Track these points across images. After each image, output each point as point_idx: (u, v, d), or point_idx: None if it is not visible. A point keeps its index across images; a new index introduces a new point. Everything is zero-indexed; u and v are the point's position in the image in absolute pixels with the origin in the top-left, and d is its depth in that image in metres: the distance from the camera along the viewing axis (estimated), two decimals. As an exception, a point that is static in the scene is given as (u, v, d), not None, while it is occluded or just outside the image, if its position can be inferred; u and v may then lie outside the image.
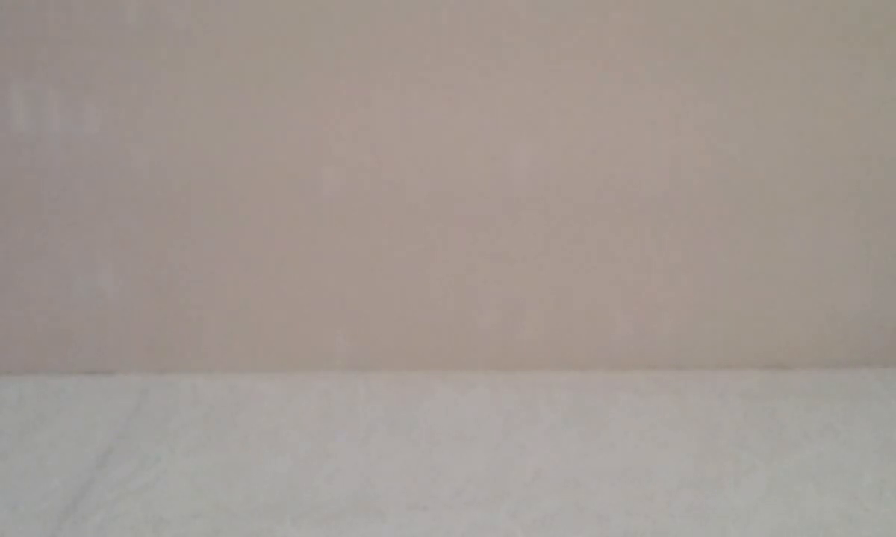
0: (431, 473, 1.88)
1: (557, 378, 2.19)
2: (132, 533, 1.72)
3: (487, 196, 2.10)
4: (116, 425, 2.04)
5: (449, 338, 2.21)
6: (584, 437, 1.99)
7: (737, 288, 2.18)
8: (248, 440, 2.00)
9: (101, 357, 2.21)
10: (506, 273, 2.16)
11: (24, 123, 2.03)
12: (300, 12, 1.97)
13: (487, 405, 2.11)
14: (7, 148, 2.05)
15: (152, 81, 2.01)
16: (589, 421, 2.04)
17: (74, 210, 2.10)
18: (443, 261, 2.15)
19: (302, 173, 2.08)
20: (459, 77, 2.01)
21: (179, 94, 2.02)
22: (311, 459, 1.92)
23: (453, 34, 1.98)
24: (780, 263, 2.16)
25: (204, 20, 1.97)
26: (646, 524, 1.74)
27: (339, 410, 2.09)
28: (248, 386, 2.17)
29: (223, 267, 2.15)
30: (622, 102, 2.03)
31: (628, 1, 1.97)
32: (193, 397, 2.14)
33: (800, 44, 2.00)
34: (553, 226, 2.12)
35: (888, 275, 2.17)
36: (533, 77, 2.01)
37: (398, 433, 2.01)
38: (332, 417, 2.07)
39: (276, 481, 1.86)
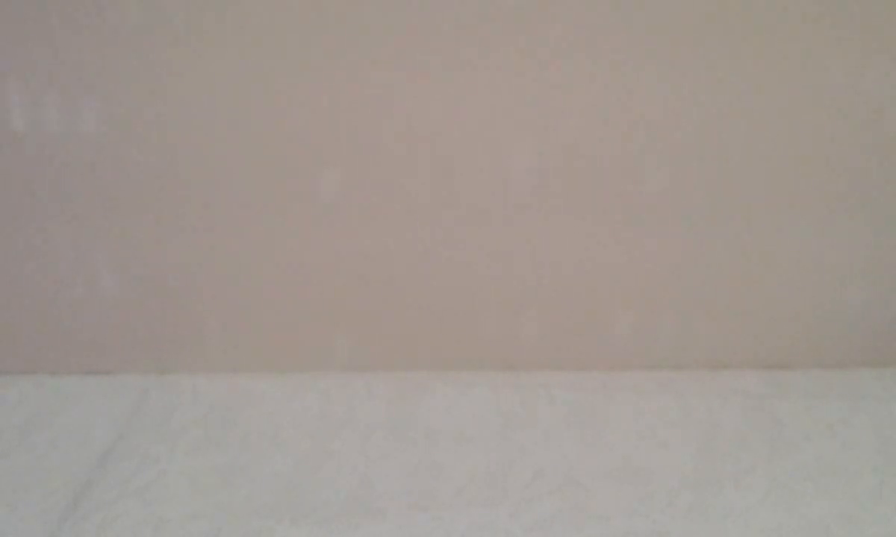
0: (431, 473, 1.88)
1: (557, 378, 2.19)
2: (132, 533, 1.72)
3: (487, 195, 2.10)
4: (116, 425, 2.04)
5: (449, 338, 2.21)
6: (583, 437, 1.99)
7: (737, 288, 2.18)
8: (248, 440, 2.00)
9: (101, 357, 2.21)
10: (506, 273, 2.16)
11: (22, 123, 2.02)
12: (300, 12, 1.97)
13: (487, 405, 2.11)
14: (6, 148, 2.04)
15: (152, 81, 2.01)
16: (589, 421, 2.04)
17: (73, 210, 2.10)
18: (443, 261, 2.15)
19: (302, 173, 2.08)
20: (460, 76, 2.01)
21: (179, 94, 2.02)
22: (311, 459, 1.92)
23: (454, 34, 1.98)
24: (780, 263, 2.16)
25: (204, 20, 1.97)
26: (646, 524, 1.74)
27: (339, 410, 2.09)
28: (248, 386, 2.17)
29: (223, 267, 2.15)
30: (622, 101, 2.03)
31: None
32: (193, 397, 2.14)
33: (800, 42, 1.99)
34: (553, 226, 2.12)
35: (888, 275, 2.17)
36: (534, 76, 2.01)
37: (398, 433, 2.01)
38: (332, 417, 2.07)
39: (276, 481, 1.86)
